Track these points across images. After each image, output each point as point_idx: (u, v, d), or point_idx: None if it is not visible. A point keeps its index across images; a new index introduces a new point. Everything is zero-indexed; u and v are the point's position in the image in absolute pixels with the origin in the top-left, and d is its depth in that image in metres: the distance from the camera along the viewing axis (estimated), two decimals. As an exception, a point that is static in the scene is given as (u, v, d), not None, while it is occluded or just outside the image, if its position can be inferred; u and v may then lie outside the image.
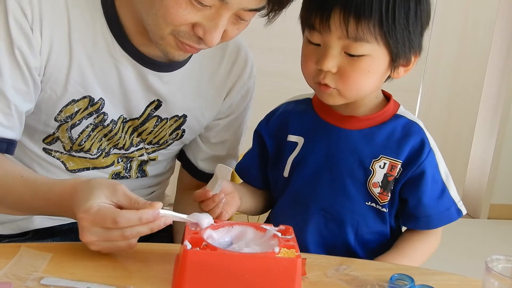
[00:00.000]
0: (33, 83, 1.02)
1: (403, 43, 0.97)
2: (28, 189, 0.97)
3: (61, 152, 1.12)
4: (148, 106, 1.11)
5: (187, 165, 1.26)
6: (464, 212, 1.08)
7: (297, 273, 0.79)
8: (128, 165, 1.18)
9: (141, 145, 1.16)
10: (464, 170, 3.33)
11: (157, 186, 1.28)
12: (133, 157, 1.17)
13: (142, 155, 1.18)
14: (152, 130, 1.14)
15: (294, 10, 1.01)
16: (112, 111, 1.09)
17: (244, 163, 1.19)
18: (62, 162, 1.13)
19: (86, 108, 1.07)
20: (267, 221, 1.16)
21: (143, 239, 0.89)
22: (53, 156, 1.13)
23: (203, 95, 1.16)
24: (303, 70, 1.04)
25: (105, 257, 0.87)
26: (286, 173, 1.10)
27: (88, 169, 1.15)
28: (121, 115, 1.10)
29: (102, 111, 1.08)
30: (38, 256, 0.86)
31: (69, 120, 1.07)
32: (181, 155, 1.27)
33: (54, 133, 1.09)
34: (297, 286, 0.79)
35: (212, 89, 1.17)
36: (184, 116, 1.15)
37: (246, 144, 1.25)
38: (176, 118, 1.15)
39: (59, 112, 1.06)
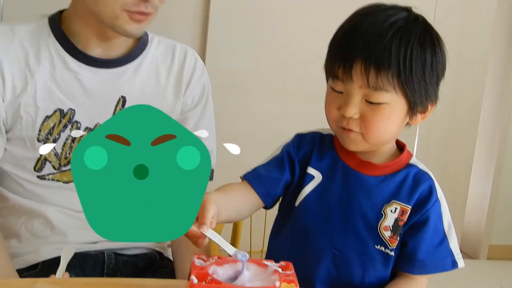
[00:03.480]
0: (0, 134, 1.18)
1: (419, 92, 1.04)
2: None
3: (53, 173, 1.22)
4: (116, 106, 1.24)
5: None
6: (461, 265, 1.10)
7: (297, 306, 0.82)
8: None
9: None
10: (463, 211, 3.35)
11: None
12: None
13: None
14: None
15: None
16: (86, 120, 1.22)
17: (265, 173, 1.13)
18: (57, 180, 1.23)
19: (60, 121, 1.20)
20: (268, 254, 1.18)
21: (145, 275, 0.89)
22: (48, 179, 1.22)
23: (163, 87, 1.31)
24: (327, 115, 1.09)
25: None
26: (296, 203, 1.13)
27: None
28: (97, 123, 1.23)
29: (74, 120, 1.21)
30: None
31: (50, 136, 1.20)
32: None
33: (41, 155, 1.20)
34: (298, 319, 0.83)
35: (171, 83, 1.32)
36: None
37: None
38: None
39: (39, 131, 1.19)
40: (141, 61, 1.30)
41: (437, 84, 1.08)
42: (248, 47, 2.54)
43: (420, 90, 1.04)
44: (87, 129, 1.22)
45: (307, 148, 1.16)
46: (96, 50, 1.25)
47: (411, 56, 1.01)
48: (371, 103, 1.03)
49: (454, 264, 1.10)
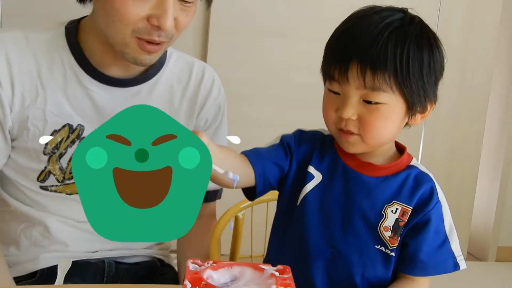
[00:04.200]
0: (5, 141, 1.17)
1: (418, 92, 1.03)
2: None
3: (56, 185, 1.21)
4: None
5: None
6: (463, 267, 1.10)
7: (294, 310, 0.82)
8: None
9: None
10: (470, 213, 3.34)
11: None
12: None
13: None
14: None
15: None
16: None
17: (265, 154, 1.11)
18: (60, 192, 1.22)
19: (68, 137, 1.18)
20: (268, 253, 1.19)
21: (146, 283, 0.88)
22: (50, 190, 1.21)
23: (176, 108, 1.27)
24: (325, 117, 1.09)
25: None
26: (298, 201, 1.12)
27: None
28: None
29: (82, 136, 1.19)
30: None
31: (56, 150, 1.18)
32: None
33: (46, 167, 1.19)
34: (294, 323, 0.82)
35: (185, 104, 1.28)
36: None
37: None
38: None
39: (45, 145, 1.17)
40: (156, 81, 1.26)
41: (435, 84, 1.07)
42: (248, 55, 2.56)
43: (418, 90, 1.03)
44: None
45: (308, 147, 1.15)
46: (111, 69, 1.21)
47: (407, 56, 1.01)
48: (368, 103, 1.02)
49: (456, 266, 1.09)
